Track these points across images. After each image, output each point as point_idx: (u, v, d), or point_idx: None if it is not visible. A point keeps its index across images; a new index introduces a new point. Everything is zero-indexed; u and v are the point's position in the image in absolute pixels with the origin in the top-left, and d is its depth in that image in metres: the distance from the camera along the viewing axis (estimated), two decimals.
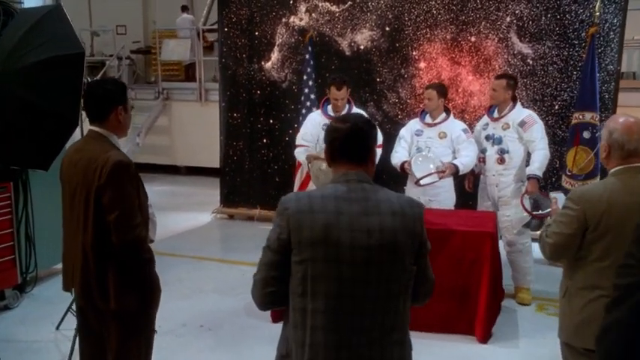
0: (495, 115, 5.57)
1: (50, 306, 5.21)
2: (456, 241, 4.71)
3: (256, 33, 7.96)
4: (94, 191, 2.85)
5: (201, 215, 8.55)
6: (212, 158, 9.62)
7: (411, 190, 5.49)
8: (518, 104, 5.53)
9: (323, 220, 2.08)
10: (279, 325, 2.30)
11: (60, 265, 6.03)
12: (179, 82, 12.45)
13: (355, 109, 5.81)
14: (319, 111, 5.87)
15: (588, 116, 6.09)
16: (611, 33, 6.52)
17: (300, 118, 6.64)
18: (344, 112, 5.70)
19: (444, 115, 5.62)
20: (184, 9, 13.55)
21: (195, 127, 11.13)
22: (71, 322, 4.59)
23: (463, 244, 4.70)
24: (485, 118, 5.70)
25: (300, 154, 5.79)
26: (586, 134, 6.10)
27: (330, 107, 5.80)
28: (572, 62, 6.71)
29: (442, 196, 5.55)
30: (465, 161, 5.43)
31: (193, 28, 12.38)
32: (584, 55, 6.55)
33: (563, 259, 2.94)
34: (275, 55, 7.88)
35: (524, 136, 5.38)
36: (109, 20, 14.73)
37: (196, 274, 6.22)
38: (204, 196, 9.38)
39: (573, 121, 6.19)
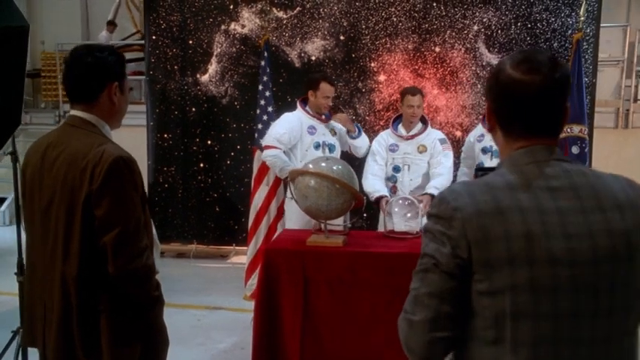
0: None
1: None
2: None
3: (190, 42, 6.96)
4: (83, 199, 1.93)
5: None
6: None
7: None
8: None
9: (521, 223, 1.31)
10: None
11: None
12: None
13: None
14: (299, 112, 4.96)
15: (577, 129, 5.60)
16: (585, 44, 6.17)
17: (256, 135, 5.69)
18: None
19: (420, 125, 4.92)
20: (110, 24, 12.27)
21: None
22: None
23: None
24: (480, 128, 5.06)
25: (276, 158, 4.76)
26: (575, 149, 5.59)
27: (308, 107, 4.96)
28: None
29: None
30: (440, 184, 4.67)
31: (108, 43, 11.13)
32: None
33: None
34: (213, 67, 6.91)
35: None
36: None
37: None
38: None
39: (561, 135, 5.69)
